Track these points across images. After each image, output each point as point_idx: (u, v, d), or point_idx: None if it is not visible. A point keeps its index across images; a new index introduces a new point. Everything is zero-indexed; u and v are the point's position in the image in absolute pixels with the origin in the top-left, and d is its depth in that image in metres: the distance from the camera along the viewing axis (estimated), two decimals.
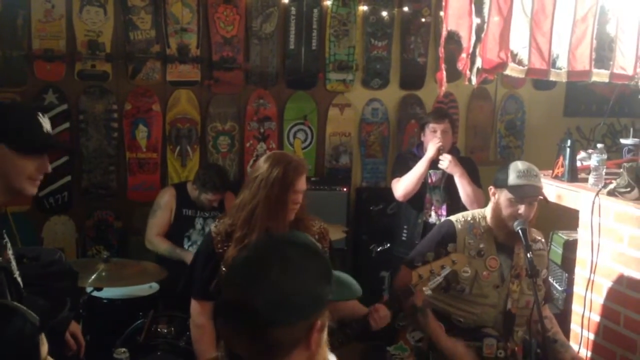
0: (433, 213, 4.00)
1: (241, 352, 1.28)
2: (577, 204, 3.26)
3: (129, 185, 4.57)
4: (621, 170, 3.10)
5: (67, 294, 2.26)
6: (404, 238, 4.08)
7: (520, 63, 3.12)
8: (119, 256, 4.04)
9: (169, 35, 4.51)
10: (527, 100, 5.54)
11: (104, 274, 3.31)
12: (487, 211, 3.05)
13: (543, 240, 3.14)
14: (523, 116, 5.55)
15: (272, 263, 1.27)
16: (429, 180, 3.98)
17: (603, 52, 3.36)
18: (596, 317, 3.13)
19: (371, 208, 4.96)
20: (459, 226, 3.03)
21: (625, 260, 2.97)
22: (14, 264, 1.90)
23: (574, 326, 3.27)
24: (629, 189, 3.00)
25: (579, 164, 3.50)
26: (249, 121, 4.81)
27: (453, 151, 4.03)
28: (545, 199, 3.04)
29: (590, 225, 3.12)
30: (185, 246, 4.03)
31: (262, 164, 2.62)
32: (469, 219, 3.06)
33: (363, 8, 4.90)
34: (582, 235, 3.22)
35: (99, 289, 3.30)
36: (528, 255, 2.77)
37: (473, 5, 2.96)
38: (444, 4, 3.08)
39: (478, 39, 2.97)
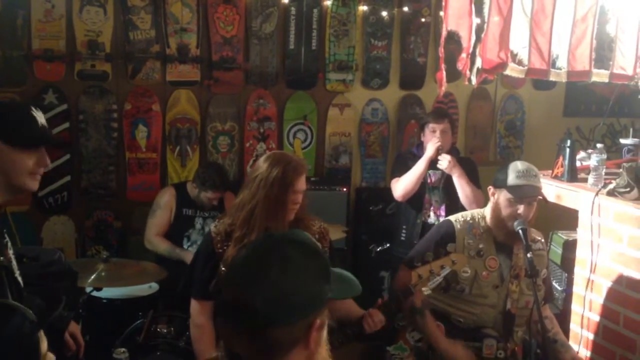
0: (432, 213, 3.99)
1: (241, 351, 1.28)
2: (577, 204, 3.26)
3: (129, 185, 4.57)
4: (621, 170, 3.10)
5: (66, 293, 2.26)
6: (402, 238, 4.08)
7: (520, 63, 3.12)
8: (119, 256, 4.03)
9: (169, 35, 4.51)
10: (527, 100, 5.54)
11: (103, 274, 3.31)
12: (487, 211, 3.05)
13: (542, 240, 3.14)
14: (523, 116, 5.55)
15: (271, 262, 1.27)
16: (428, 181, 3.98)
17: (603, 52, 3.36)
18: (596, 317, 3.13)
19: (371, 208, 4.96)
20: (458, 226, 3.03)
21: (625, 260, 2.97)
22: (14, 263, 1.90)
23: (574, 326, 3.27)
24: (628, 189, 3.00)
25: (578, 164, 3.50)
26: (248, 121, 4.81)
27: (453, 151, 4.03)
28: (544, 199, 3.04)
29: (590, 225, 3.12)
30: (185, 246, 4.03)
31: (262, 164, 2.62)
32: (468, 219, 3.05)
33: (363, 8, 4.90)
34: (582, 235, 3.22)
35: (98, 289, 3.30)
36: (528, 255, 2.77)
37: (473, 5, 2.96)
38: (444, 4, 3.08)
39: (478, 39, 2.97)
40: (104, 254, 3.67)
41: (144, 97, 4.53)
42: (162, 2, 4.47)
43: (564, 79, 3.29)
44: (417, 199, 3.98)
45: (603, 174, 3.20)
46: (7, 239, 1.91)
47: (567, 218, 3.47)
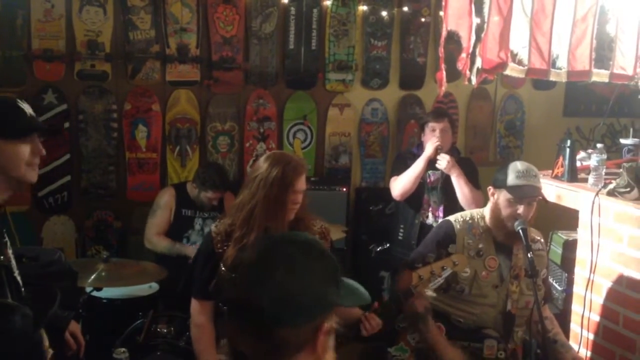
0: (430, 214, 3.99)
1: (246, 351, 1.28)
2: (577, 204, 3.26)
3: (129, 185, 4.56)
4: (621, 170, 3.10)
5: (63, 292, 2.26)
6: (400, 237, 4.07)
7: (520, 63, 3.12)
8: (119, 256, 4.03)
9: (169, 35, 4.51)
10: (527, 100, 5.54)
11: (103, 274, 3.31)
12: (486, 211, 3.05)
13: (542, 240, 3.14)
14: (523, 116, 5.55)
15: (278, 263, 1.28)
16: (428, 181, 3.98)
17: (603, 52, 3.36)
18: (596, 317, 3.13)
19: (371, 208, 4.95)
20: (458, 226, 3.02)
21: (625, 260, 2.97)
22: (13, 262, 1.91)
23: (574, 326, 3.27)
24: (628, 189, 3.00)
25: (578, 164, 3.50)
26: (248, 121, 4.81)
27: (453, 151, 4.02)
28: (544, 199, 3.03)
29: (590, 225, 3.12)
30: None
31: (262, 164, 2.62)
32: (468, 219, 3.05)
33: (363, 8, 4.90)
34: (582, 235, 3.22)
35: (98, 289, 3.30)
36: (529, 255, 2.77)
37: (473, 5, 2.95)
38: (443, 4, 3.08)
39: (478, 38, 2.97)
40: (104, 254, 3.67)
41: (144, 97, 4.53)
42: (162, 2, 4.47)
43: (564, 79, 3.29)
44: (416, 198, 3.97)
45: (603, 174, 3.20)
46: (7, 238, 1.92)
47: (567, 218, 3.47)
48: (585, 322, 3.17)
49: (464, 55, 3.00)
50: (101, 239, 4.51)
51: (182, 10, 4.51)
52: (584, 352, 3.18)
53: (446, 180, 3.92)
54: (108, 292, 3.48)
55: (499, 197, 2.94)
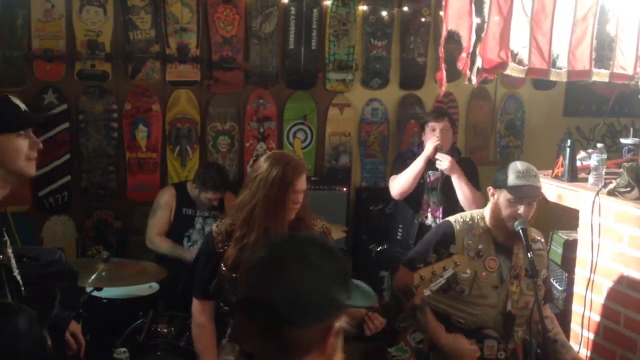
0: (429, 215, 3.98)
1: (256, 350, 1.27)
2: (577, 203, 3.26)
3: (129, 185, 4.57)
4: (621, 170, 3.10)
5: (63, 291, 2.26)
6: (398, 237, 4.06)
7: (520, 63, 3.12)
8: (119, 256, 4.03)
9: (169, 35, 4.51)
10: (527, 100, 5.54)
11: (103, 273, 3.31)
12: (486, 211, 3.04)
13: (542, 240, 3.14)
14: (523, 116, 5.55)
15: (292, 262, 1.28)
16: (427, 181, 3.97)
17: (603, 52, 3.36)
18: (596, 317, 3.13)
19: (371, 208, 4.96)
20: (458, 227, 3.02)
21: (625, 260, 2.97)
22: (13, 262, 1.91)
23: (574, 326, 3.27)
24: (628, 189, 3.00)
25: (578, 163, 3.50)
26: (248, 121, 4.81)
27: (453, 151, 4.01)
28: (544, 199, 3.03)
29: (590, 225, 3.12)
30: (185, 246, 4.03)
31: (262, 164, 2.62)
32: (468, 219, 3.05)
33: (363, 8, 4.90)
34: (582, 235, 3.22)
35: (98, 289, 3.30)
36: (529, 255, 2.77)
37: (473, 5, 2.95)
38: (444, 3, 3.08)
39: (478, 38, 2.97)
40: (104, 254, 3.67)
41: (144, 97, 4.53)
42: (162, 2, 4.47)
43: (564, 79, 3.29)
44: (416, 198, 3.96)
45: (603, 173, 3.20)
46: (7, 237, 1.92)
47: (567, 218, 3.47)
48: (585, 322, 3.17)
49: (464, 55, 3.00)
50: (101, 239, 4.51)
51: (182, 10, 4.52)
52: (585, 352, 3.18)
53: (446, 180, 3.91)
54: (108, 292, 3.48)
55: (499, 198, 2.93)
